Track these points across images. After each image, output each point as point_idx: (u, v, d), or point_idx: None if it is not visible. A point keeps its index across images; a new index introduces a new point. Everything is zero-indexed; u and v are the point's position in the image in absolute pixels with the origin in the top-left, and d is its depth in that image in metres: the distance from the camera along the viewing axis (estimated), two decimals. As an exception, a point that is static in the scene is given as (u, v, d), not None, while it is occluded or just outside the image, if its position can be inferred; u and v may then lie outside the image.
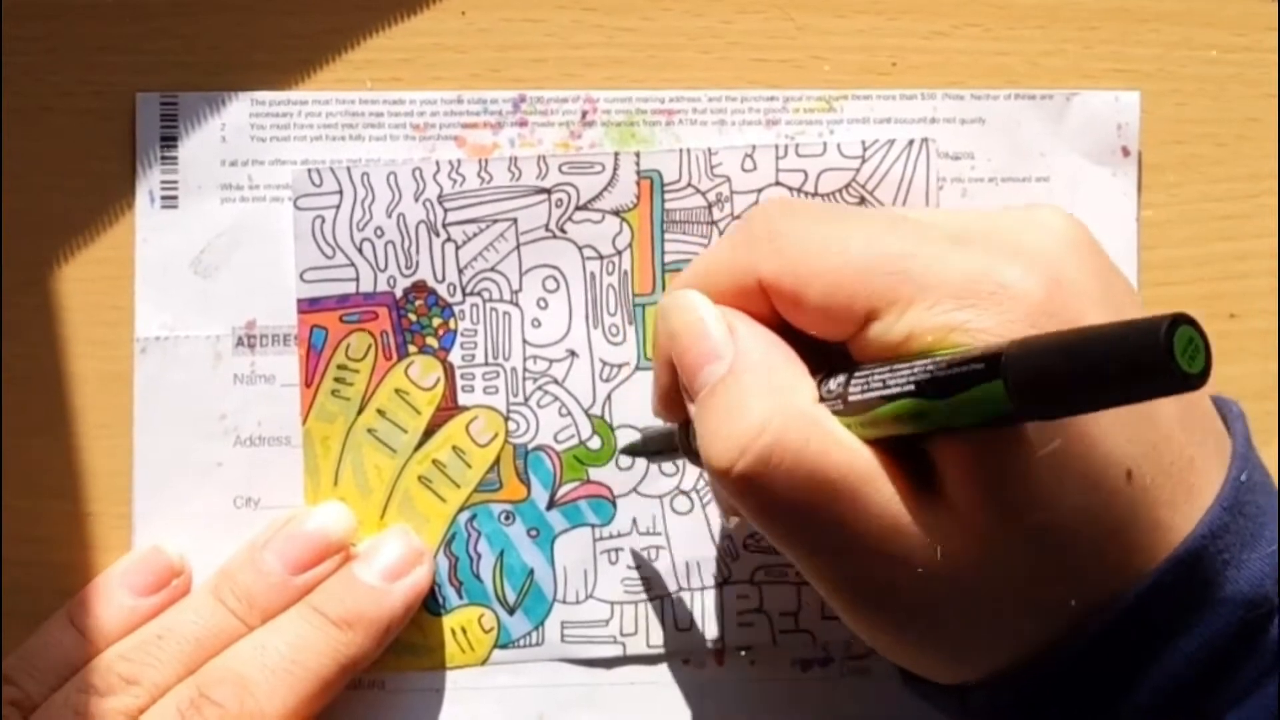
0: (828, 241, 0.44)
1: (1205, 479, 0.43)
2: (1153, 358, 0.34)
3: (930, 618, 0.44)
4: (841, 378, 0.44)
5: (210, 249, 0.54)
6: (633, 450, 0.54)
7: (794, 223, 0.45)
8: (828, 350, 0.45)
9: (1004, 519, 0.42)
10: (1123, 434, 0.42)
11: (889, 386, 0.42)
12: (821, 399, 0.44)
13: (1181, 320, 0.34)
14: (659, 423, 0.52)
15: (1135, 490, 0.42)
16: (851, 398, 0.43)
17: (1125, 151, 0.56)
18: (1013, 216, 0.46)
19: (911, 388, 0.41)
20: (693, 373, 0.46)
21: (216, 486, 0.54)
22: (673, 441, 0.49)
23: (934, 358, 0.41)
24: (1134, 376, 0.35)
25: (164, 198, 0.54)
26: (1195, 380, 0.34)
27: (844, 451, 0.43)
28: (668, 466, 0.55)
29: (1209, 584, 0.42)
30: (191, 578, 0.53)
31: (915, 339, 0.42)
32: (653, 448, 0.53)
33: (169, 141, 0.54)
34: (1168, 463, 0.43)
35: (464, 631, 0.54)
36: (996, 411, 0.38)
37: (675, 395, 0.48)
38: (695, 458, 0.48)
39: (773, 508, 0.44)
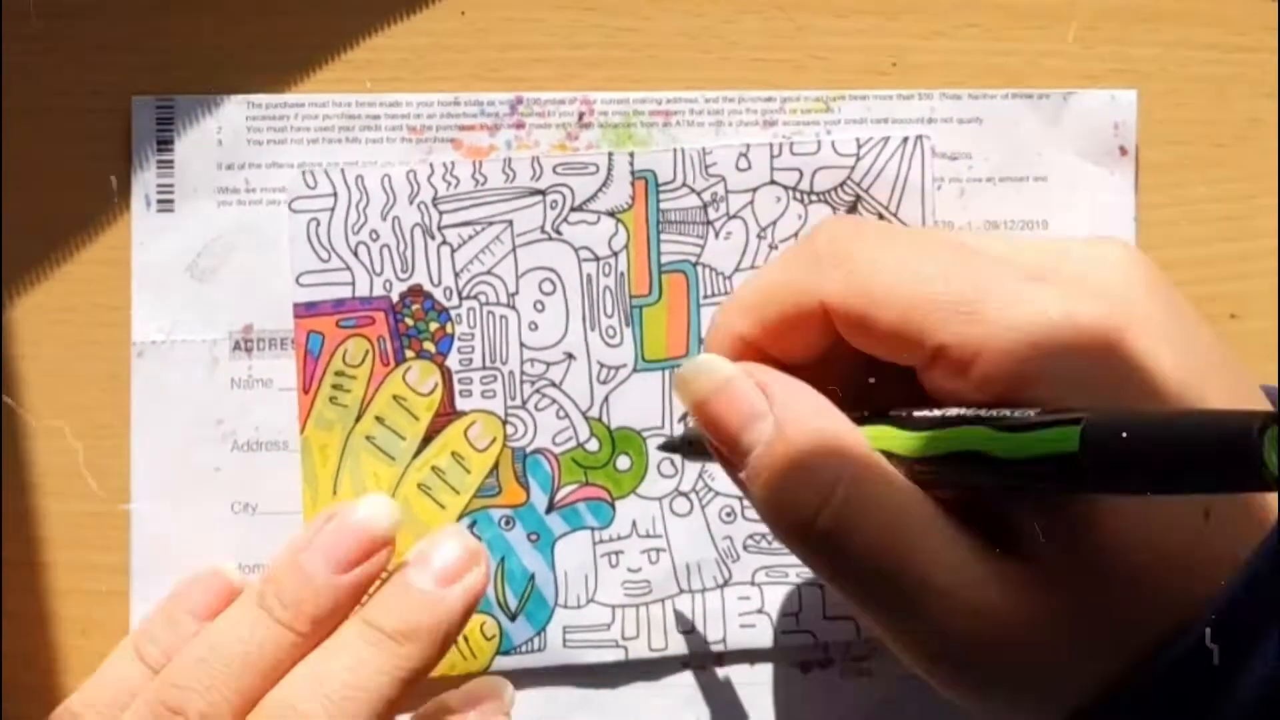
0: (901, 267, 0.44)
1: (1274, 508, 0.43)
2: (1242, 459, 0.33)
3: (1011, 669, 0.43)
4: (902, 413, 0.44)
5: (207, 252, 0.54)
6: (671, 447, 0.54)
7: (863, 244, 0.45)
8: (864, 384, 0.45)
9: (1086, 569, 0.41)
10: None
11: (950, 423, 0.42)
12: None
13: (1274, 420, 0.33)
14: (662, 424, 0.53)
15: (1213, 528, 0.41)
16: (916, 414, 0.43)
17: (1123, 151, 0.56)
18: (1081, 251, 0.45)
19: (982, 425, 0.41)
20: (736, 437, 0.45)
21: (214, 491, 0.54)
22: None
23: (1006, 412, 0.40)
24: (1218, 474, 0.34)
25: (160, 201, 0.54)
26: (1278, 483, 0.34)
27: (917, 505, 0.42)
28: (666, 468, 0.55)
29: None
30: None
31: (989, 383, 0.42)
32: (692, 447, 0.52)
33: (165, 145, 0.54)
34: (1244, 497, 0.42)
35: (465, 640, 0.54)
36: (1066, 451, 0.38)
37: None
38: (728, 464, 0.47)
39: (849, 564, 0.43)
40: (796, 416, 0.44)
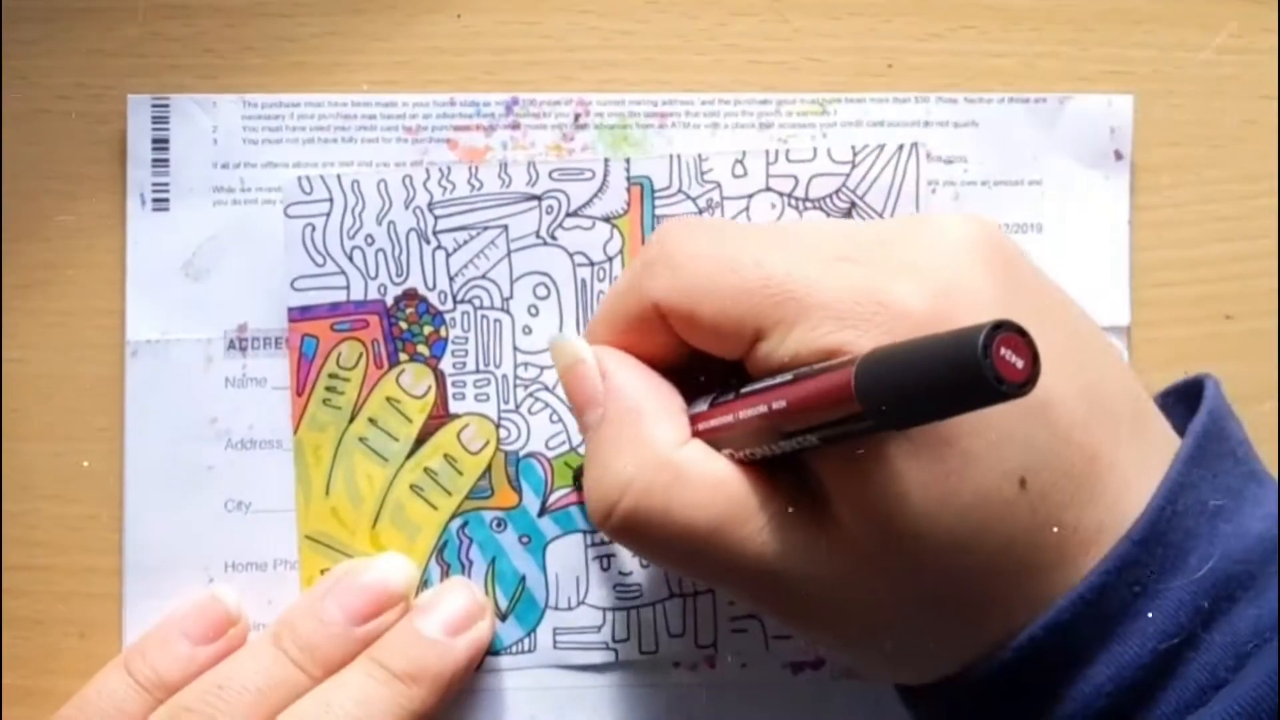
0: (717, 262, 0.45)
1: (1119, 474, 0.42)
2: (971, 368, 0.34)
3: (840, 629, 0.44)
4: (729, 395, 0.45)
5: (202, 252, 0.54)
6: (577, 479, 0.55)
7: (686, 244, 0.46)
8: (733, 369, 0.46)
9: (892, 535, 0.41)
10: (1014, 440, 0.41)
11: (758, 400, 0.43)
12: (700, 417, 0.46)
13: (1002, 327, 0.34)
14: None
15: (1032, 497, 0.41)
16: (723, 398, 0.44)
17: (1118, 155, 0.56)
18: (907, 226, 0.46)
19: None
20: (579, 418, 0.47)
21: (207, 490, 0.54)
22: None
23: (795, 372, 0.41)
24: (956, 387, 0.35)
25: (155, 200, 0.54)
26: (1017, 389, 0.34)
27: (712, 495, 0.44)
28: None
29: (1118, 616, 0.42)
30: (248, 626, 0.53)
31: (799, 360, 0.42)
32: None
33: (160, 144, 0.54)
34: (1068, 464, 0.42)
35: (456, 639, 0.54)
36: (849, 410, 0.38)
37: None
38: None
39: (648, 554, 0.47)
40: (617, 409, 0.46)
